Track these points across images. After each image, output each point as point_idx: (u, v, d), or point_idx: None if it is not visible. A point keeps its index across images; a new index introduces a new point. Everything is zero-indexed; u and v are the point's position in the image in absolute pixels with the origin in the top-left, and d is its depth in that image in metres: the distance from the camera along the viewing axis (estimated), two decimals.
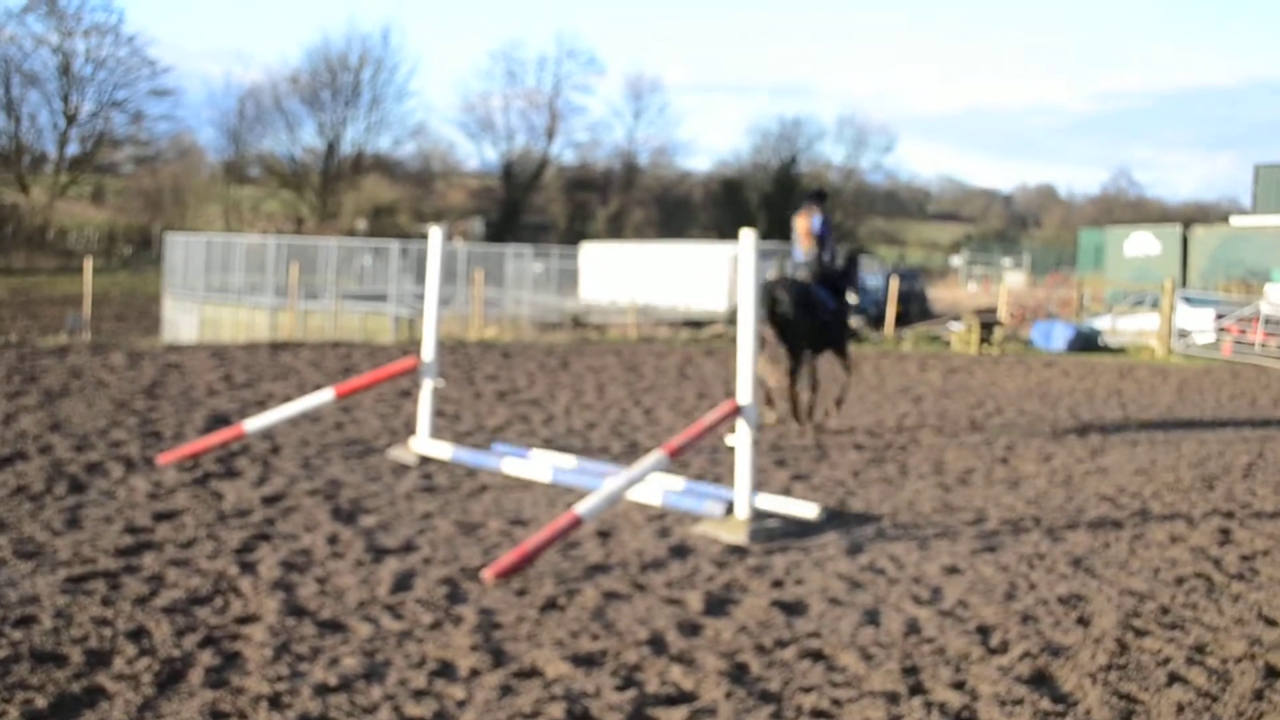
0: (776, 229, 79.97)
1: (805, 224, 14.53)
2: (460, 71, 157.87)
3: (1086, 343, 29.26)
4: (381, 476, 10.51)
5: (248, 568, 7.46)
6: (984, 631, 6.92)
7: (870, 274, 44.54)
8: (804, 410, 14.26)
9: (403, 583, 7.30)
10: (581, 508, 8.02)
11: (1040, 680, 6.21)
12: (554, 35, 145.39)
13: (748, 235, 8.86)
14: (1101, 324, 32.51)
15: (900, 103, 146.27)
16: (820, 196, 14.89)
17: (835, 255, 14.79)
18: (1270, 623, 7.37)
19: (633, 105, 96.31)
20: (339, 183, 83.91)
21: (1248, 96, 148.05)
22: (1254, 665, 6.57)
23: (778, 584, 7.69)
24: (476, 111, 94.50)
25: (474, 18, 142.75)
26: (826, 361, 15.06)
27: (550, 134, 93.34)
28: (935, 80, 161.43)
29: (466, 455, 11.05)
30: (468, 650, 6.15)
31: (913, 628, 6.91)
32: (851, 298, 14.81)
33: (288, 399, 14.19)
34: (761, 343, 13.08)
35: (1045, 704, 5.84)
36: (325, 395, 11.22)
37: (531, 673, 5.94)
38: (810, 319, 13.89)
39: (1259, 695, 6.12)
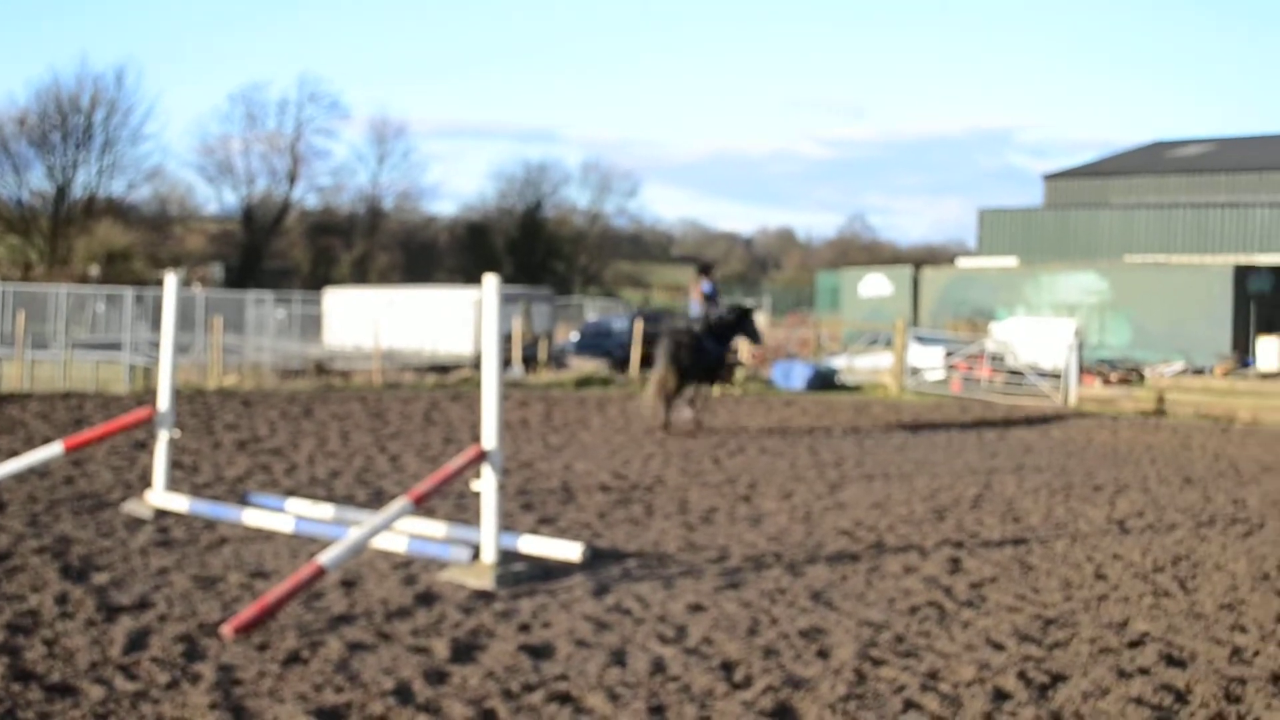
0: (522, 273, 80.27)
1: (697, 288, 20.26)
2: (199, 113, 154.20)
3: (824, 381, 30.06)
4: (115, 531, 10.15)
5: None
6: (728, 667, 7.04)
7: (615, 316, 44.98)
8: (668, 420, 19.33)
9: (137, 641, 7.05)
10: (324, 558, 7.89)
11: (783, 713, 6.35)
12: (296, 78, 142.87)
13: (491, 280, 8.87)
14: (838, 363, 33.45)
15: (644, 150, 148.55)
16: (708, 268, 21.14)
17: (721, 312, 20.04)
18: (998, 647, 7.68)
19: (377, 149, 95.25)
20: (70, 227, 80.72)
21: (973, 145, 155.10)
22: (983, 689, 6.83)
23: (525, 628, 7.69)
24: (216, 155, 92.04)
25: (213, 58, 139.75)
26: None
27: (292, 178, 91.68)
28: (679, 128, 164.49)
29: (204, 507, 10.76)
30: (206, 709, 5.97)
31: (659, 666, 6.99)
32: (743, 343, 21.30)
33: (14, 453, 13.59)
34: (659, 373, 19.13)
35: None
36: (54, 449, 10.79)
37: None
38: (699, 360, 19.31)
39: (988, 717, 6.37)
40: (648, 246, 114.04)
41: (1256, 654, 7.73)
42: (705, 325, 19.68)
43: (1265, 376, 27.34)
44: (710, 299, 20.09)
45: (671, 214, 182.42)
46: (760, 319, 54.34)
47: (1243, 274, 35.82)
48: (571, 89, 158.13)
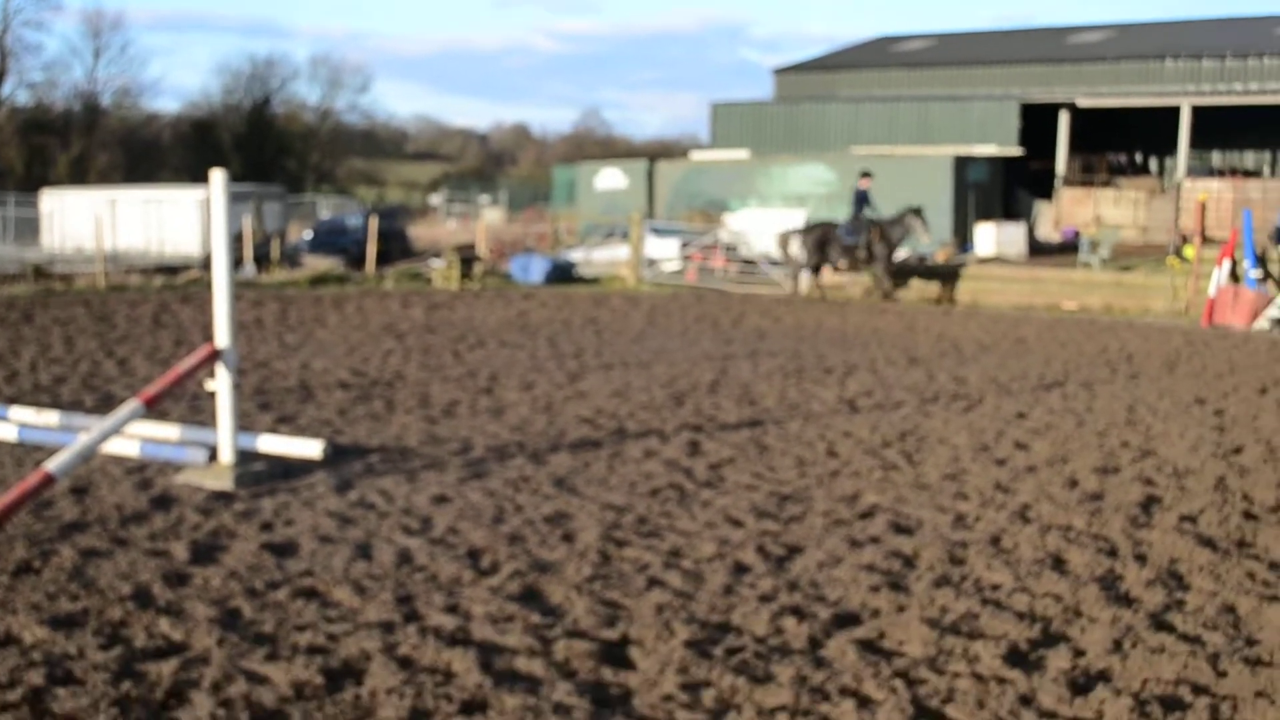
0: (252, 171, 77.84)
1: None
2: None
3: (562, 274, 30.17)
4: None
5: None
6: (474, 555, 7.08)
7: (349, 214, 44.18)
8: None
9: None
10: (52, 465, 7.59)
11: (530, 596, 6.43)
12: None
13: (218, 177, 8.59)
14: (576, 256, 33.59)
15: (376, 43, 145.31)
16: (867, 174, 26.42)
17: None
18: (737, 524, 7.90)
19: (92, 43, 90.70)
20: None
21: (706, 40, 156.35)
22: (724, 563, 7.04)
23: (267, 527, 7.58)
24: None
25: None
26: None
27: (1, 73, 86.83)
28: (409, 20, 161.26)
29: None
30: None
31: (405, 558, 6.98)
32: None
33: None
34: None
35: (535, 618, 6.05)
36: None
37: (6, 640, 5.61)
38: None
39: (729, 590, 6.57)
40: (381, 143, 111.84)
41: (977, 519, 8.14)
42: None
43: (983, 261, 28.50)
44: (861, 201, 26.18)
45: (405, 110, 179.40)
46: (496, 215, 54.04)
47: (962, 164, 37.16)
48: None
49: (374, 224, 32.74)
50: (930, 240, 25.95)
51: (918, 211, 25.29)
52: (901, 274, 26.57)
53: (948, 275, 27.07)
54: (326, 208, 59.26)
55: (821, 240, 25.98)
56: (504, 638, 5.78)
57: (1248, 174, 41.24)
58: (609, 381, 13.97)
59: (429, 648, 5.61)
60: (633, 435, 10.82)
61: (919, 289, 26.92)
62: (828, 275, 26.98)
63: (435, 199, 73.76)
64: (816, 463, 9.84)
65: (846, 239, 25.76)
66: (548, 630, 5.89)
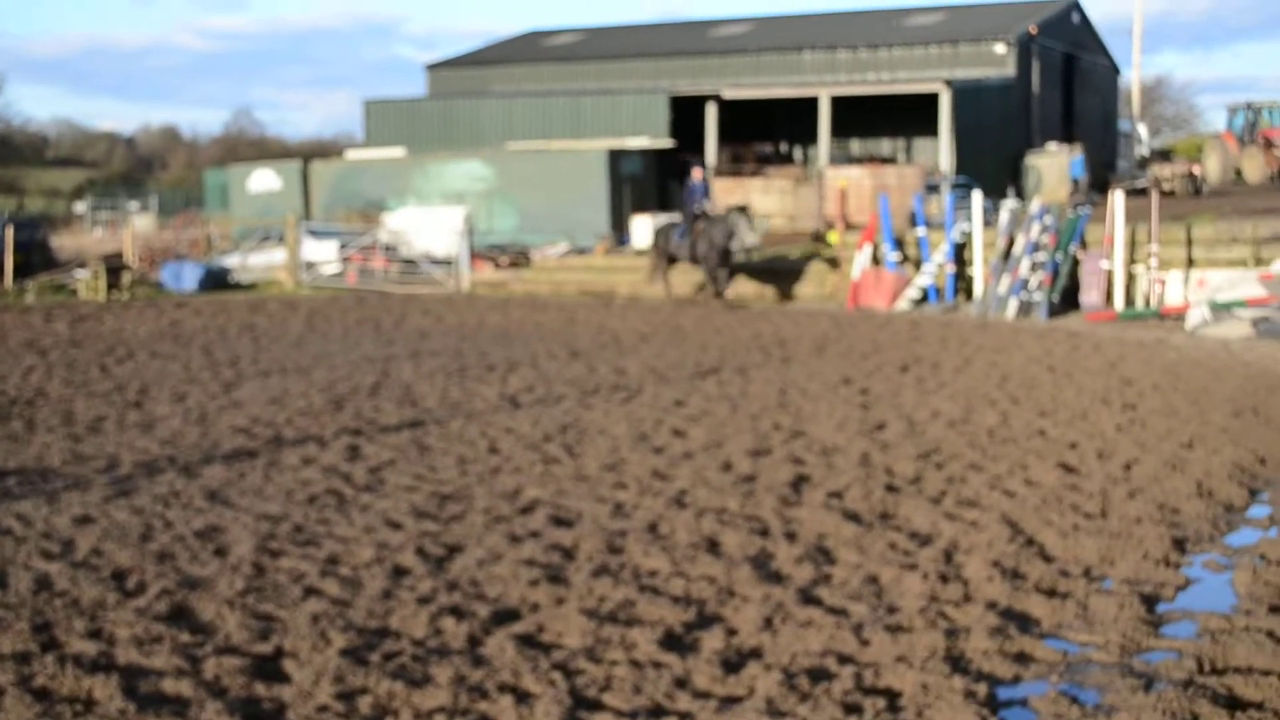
0: None
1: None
2: None
3: (217, 281, 29.27)
4: None
5: None
6: (119, 576, 6.80)
7: None
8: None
9: None
10: None
11: (179, 615, 6.21)
12: None
13: None
14: (232, 261, 32.62)
15: (6, 44, 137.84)
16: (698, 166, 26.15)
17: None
18: (396, 526, 7.82)
19: None
20: None
21: (359, 37, 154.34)
22: (382, 568, 6.96)
23: None
24: None
25: None
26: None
27: None
28: (43, 20, 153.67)
29: None
30: None
31: (43, 584, 6.64)
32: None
33: None
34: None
35: (185, 636, 5.85)
36: None
37: None
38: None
39: (388, 594, 6.49)
40: (18, 149, 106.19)
41: (636, 507, 8.28)
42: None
43: (639, 253, 29.02)
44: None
45: (43, 113, 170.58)
46: (146, 222, 52.15)
47: (616, 157, 37.71)
48: None
49: (11, 234, 31.03)
50: (755, 238, 24.09)
51: (743, 209, 23.76)
52: (732, 271, 24.38)
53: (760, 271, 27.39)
54: None
55: (665, 238, 24.85)
56: (150, 660, 5.57)
57: (885, 160, 43.21)
58: (266, 389, 13.62)
59: (68, 676, 5.35)
60: (290, 443, 10.58)
61: (578, 282, 27.23)
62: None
63: (80, 207, 70.53)
64: (478, 460, 9.83)
65: (677, 238, 24.27)
66: (197, 649, 5.70)
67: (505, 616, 6.18)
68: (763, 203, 34.38)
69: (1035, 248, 21.49)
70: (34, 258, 34.71)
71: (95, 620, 6.08)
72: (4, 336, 19.21)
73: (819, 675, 5.44)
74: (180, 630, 5.94)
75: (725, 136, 42.36)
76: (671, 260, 24.59)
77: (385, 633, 5.95)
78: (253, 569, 6.92)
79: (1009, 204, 24.13)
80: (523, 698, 5.20)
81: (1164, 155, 50.03)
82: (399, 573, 6.87)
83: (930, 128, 38.83)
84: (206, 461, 9.83)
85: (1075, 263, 21.68)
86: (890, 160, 43.87)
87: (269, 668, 5.52)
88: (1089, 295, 21.13)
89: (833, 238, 26.26)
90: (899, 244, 23.85)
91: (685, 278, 24.86)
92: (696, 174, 25.43)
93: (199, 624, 6.07)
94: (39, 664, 5.49)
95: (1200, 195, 34.85)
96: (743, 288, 24.76)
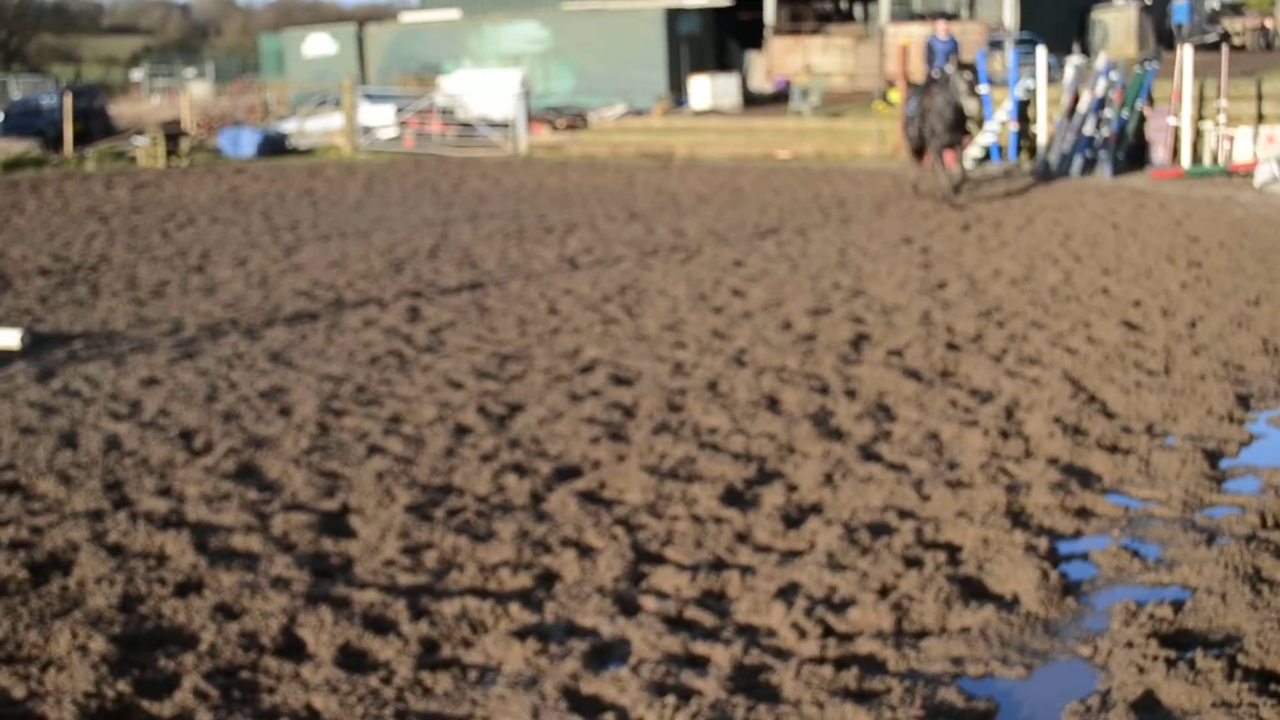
0: None
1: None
2: None
3: (275, 146, 29.26)
4: None
5: None
6: (187, 436, 6.89)
7: (43, 93, 41.92)
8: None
9: None
10: None
11: (246, 473, 6.30)
12: None
13: None
14: (288, 127, 32.61)
15: None
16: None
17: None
18: (457, 386, 7.87)
19: None
20: None
21: None
22: (444, 426, 7.01)
23: None
24: None
25: None
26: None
27: None
28: None
29: None
30: None
31: (113, 444, 6.75)
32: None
33: None
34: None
35: (253, 494, 5.95)
36: None
37: None
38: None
39: (450, 452, 6.55)
40: (74, 18, 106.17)
41: (695, 366, 8.29)
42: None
43: (698, 114, 28.77)
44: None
45: None
46: (203, 88, 52.13)
47: (674, 17, 37.21)
48: None
49: (70, 103, 31.12)
50: (975, 105, 18.33)
51: (966, 67, 17.93)
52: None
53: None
54: (18, 87, 56.07)
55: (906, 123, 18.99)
56: (219, 517, 5.66)
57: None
58: (326, 253, 13.67)
59: (140, 533, 5.45)
60: (351, 305, 10.64)
61: (637, 143, 27.03)
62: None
63: (137, 74, 70.53)
64: (537, 321, 9.85)
65: (908, 115, 18.64)
66: (265, 505, 5.79)
67: (567, 473, 6.23)
68: (823, 62, 33.92)
69: (1101, 104, 21.05)
70: (93, 125, 34.86)
71: (165, 479, 6.18)
72: (66, 203, 19.35)
73: (879, 530, 5.46)
74: (248, 488, 6.03)
75: None
76: (919, 149, 18.26)
77: (449, 489, 6.02)
78: (317, 428, 7.00)
79: (1074, 60, 23.61)
80: (585, 552, 5.25)
81: (1235, 9, 48.74)
82: (461, 431, 6.93)
83: None
84: (269, 324, 9.91)
85: (1142, 119, 21.25)
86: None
87: (335, 524, 5.60)
88: (1155, 152, 20.75)
89: (894, 97, 25.87)
90: None
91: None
92: (941, 28, 19.33)
93: (266, 482, 6.16)
94: (111, 521, 5.60)
95: (1271, 50, 34.01)
96: (801, 146, 24.49)
